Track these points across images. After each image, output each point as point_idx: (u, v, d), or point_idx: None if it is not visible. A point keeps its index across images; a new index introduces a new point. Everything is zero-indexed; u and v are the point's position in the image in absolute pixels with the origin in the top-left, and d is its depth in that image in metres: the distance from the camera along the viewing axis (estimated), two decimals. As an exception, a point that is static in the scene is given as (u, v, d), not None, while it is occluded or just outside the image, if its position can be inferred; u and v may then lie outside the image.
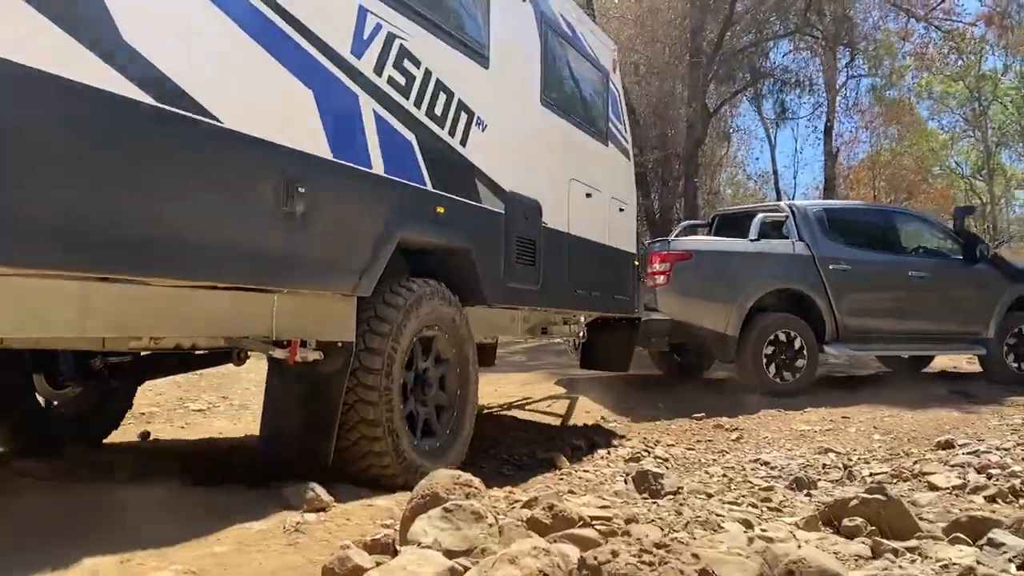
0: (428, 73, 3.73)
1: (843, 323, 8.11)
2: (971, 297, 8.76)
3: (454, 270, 4.03)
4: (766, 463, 4.59)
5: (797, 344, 7.88)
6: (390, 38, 3.46)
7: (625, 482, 3.73)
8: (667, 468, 4.32)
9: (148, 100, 2.31)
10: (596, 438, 5.50)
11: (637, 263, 6.79)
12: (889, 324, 8.41)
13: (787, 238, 8.32)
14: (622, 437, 5.69)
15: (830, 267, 8.13)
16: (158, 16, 2.37)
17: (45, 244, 2.04)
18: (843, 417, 6.45)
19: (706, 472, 4.31)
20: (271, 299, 3.20)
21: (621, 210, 6.42)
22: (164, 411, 6.01)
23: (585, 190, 5.64)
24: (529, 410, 7.01)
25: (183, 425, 5.57)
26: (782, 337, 7.89)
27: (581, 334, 6.27)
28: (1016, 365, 8.89)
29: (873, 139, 26.72)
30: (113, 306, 2.56)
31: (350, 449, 3.28)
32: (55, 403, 4.40)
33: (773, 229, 8.52)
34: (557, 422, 6.48)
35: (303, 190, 2.86)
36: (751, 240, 8.16)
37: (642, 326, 7.16)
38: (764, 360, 7.78)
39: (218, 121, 2.55)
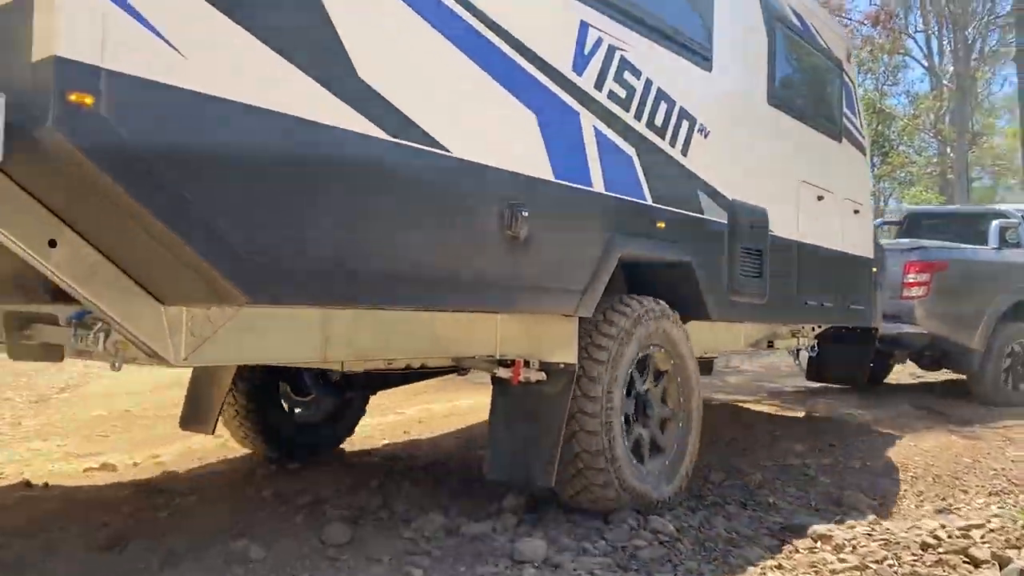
0: (649, 83, 3.60)
1: None
2: None
3: (675, 285, 3.87)
4: None
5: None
6: (611, 51, 3.36)
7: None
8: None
9: (382, 135, 2.38)
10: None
11: (876, 269, 6.22)
12: None
13: (1018, 245, 7.76)
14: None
15: None
16: (390, 51, 2.43)
17: (294, 281, 2.15)
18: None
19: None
20: (494, 320, 3.24)
21: (856, 211, 5.90)
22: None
23: (816, 192, 5.24)
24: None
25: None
26: (1017, 348, 7.57)
27: (811, 347, 5.85)
28: None
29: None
30: (352, 333, 2.69)
31: (570, 475, 3.24)
32: (297, 410, 4.75)
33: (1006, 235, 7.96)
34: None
35: (526, 213, 2.84)
36: (994, 249, 7.67)
37: (895, 339, 6.76)
38: (1003, 372, 7.46)
39: (447, 151, 2.58)
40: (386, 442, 5.29)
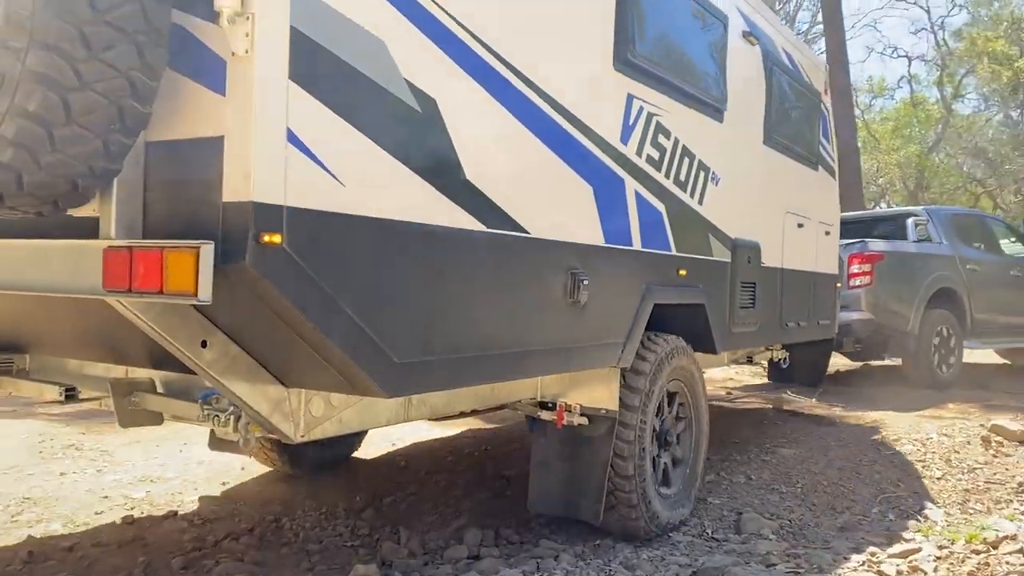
0: (676, 141, 3.88)
1: (975, 318, 8.92)
2: None
3: (689, 323, 4.19)
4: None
5: (952, 340, 8.53)
6: (649, 117, 3.62)
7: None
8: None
9: (480, 227, 2.61)
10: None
11: (839, 284, 6.71)
12: (1005, 319, 9.34)
13: (928, 240, 8.81)
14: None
15: (967, 267, 8.87)
16: (487, 146, 2.65)
17: (424, 376, 2.39)
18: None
19: None
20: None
21: (827, 233, 6.35)
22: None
23: (797, 220, 5.64)
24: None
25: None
26: (944, 332, 8.49)
27: (783, 358, 6.30)
28: None
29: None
30: (431, 398, 2.94)
31: (607, 508, 3.56)
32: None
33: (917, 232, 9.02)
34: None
35: (586, 281, 3.11)
36: (914, 242, 8.67)
37: (847, 327, 7.60)
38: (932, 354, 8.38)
39: (526, 232, 2.83)
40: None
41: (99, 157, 1.82)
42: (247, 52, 1.85)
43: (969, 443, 5.52)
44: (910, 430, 5.96)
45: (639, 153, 3.56)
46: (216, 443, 4.50)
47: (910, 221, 8.86)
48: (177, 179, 1.99)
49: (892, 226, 9.07)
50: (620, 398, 3.55)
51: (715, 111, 4.29)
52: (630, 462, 3.53)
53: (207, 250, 1.79)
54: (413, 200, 2.33)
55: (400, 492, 4.51)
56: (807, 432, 5.99)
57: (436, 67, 2.41)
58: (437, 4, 2.39)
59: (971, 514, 4.34)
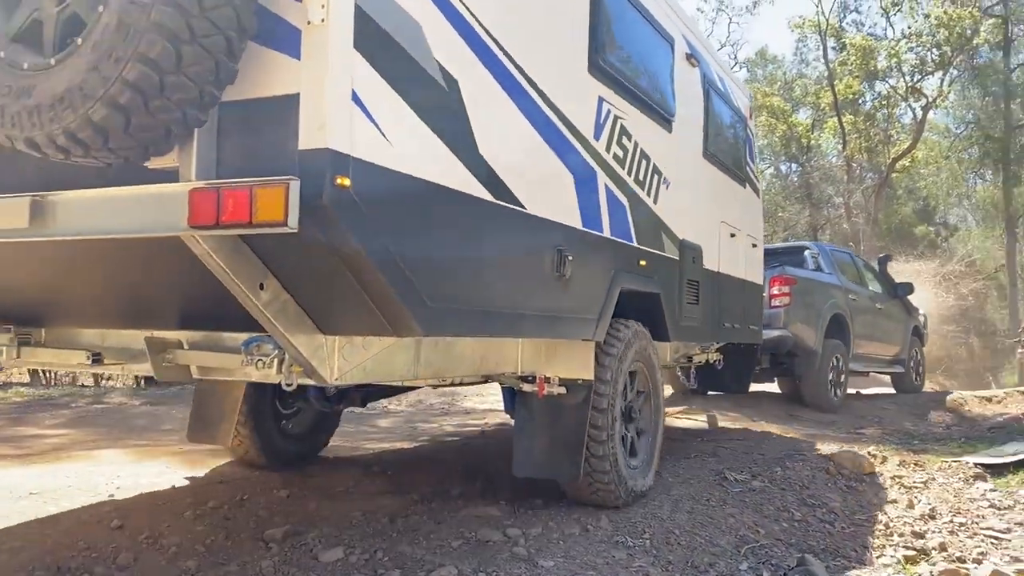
0: (636, 144, 4.33)
1: (855, 345, 9.94)
2: (898, 326, 11.38)
3: (647, 312, 4.61)
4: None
5: (841, 364, 9.47)
6: (615, 120, 4.06)
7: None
8: None
9: (488, 197, 2.95)
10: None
11: (764, 294, 7.31)
12: (874, 347, 10.60)
13: (821, 270, 9.81)
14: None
15: (849, 296, 9.89)
16: (495, 126, 3.01)
17: (450, 319, 2.70)
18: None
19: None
20: (517, 344, 3.84)
21: (754, 246, 6.95)
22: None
23: (730, 231, 6.19)
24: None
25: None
26: (837, 361, 9.41)
27: (718, 360, 6.81)
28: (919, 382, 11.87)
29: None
30: (432, 357, 3.24)
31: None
32: (284, 423, 5.12)
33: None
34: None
35: (570, 257, 3.48)
36: (812, 270, 9.67)
37: (770, 342, 8.14)
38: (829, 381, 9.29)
39: (524, 208, 3.18)
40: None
41: (194, 106, 2.09)
42: (323, 21, 2.17)
43: (815, 478, 5.04)
44: (750, 462, 5.40)
45: (607, 150, 3.99)
46: (195, 434, 4.68)
47: (807, 253, 9.95)
48: (252, 131, 2.27)
49: (791, 257, 10.06)
50: (594, 371, 3.91)
51: (665, 121, 4.78)
52: (603, 430, 3.88)
53: (295, 185, 2.08)
54: (440, 165, 2.66)
55: (101, 567, 3.24)
56: (688, 472, 5.05)
57: (459, 54, 2.77)
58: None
59: (851, 564, 3.79)
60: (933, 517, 4.47)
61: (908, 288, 11.72)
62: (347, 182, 2.20)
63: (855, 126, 27.33)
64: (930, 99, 24.29)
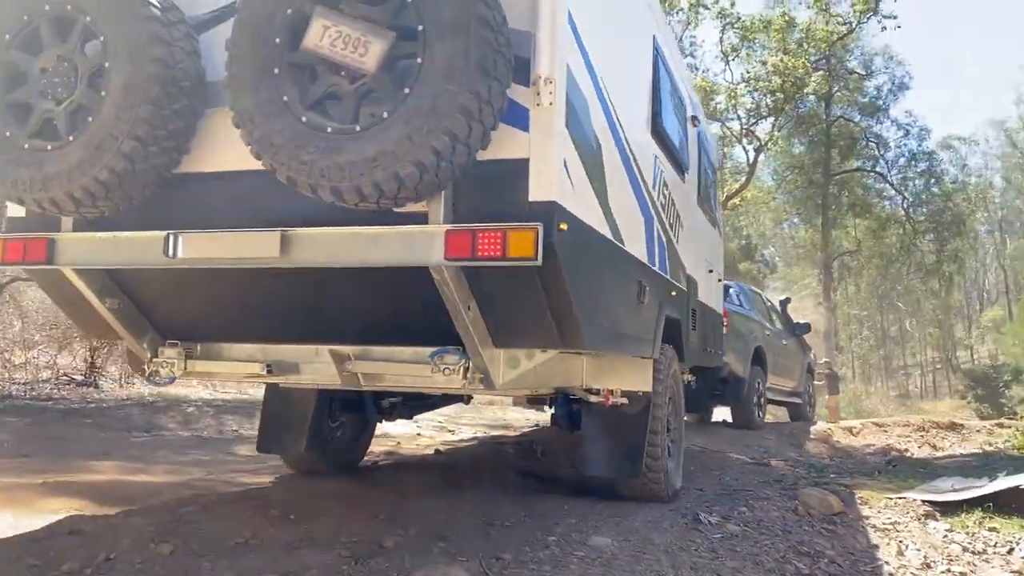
0: (670, 192, 5.12)
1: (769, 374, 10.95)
2: (797, 361, 12.51)
3: (672, 337, 5.36)
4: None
5: (762, 389, 10.58)
6: (661, 172, 4.84)
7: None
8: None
9: (611, 238, 3.64)
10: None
11: (725, 322, 8.25)
12: (780, 380, 11.62)
13: (741, 306, 10.79)
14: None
15: (765, 331, 10.98)
16: (615, 180, 3.70)
17: (603, 339, 3.36)
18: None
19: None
20: (581, 360, 4.51)
21: (719, 280, 7.88)
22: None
23: (708, 266, 7.08)
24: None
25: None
26: (758, 385, 10.50)
27: (691, 380, 7.66)
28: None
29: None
30: (547, 371, 3.87)
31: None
32: (335, 434, 5.57)
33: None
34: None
35: (646, 287, 4.20)
36: (737, 306, 10.58)
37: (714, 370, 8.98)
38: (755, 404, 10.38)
39: (625, 247, 3.89)
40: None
41: (463, 166, 2.70)
42: (551, 105, 2.82)
43: (786, 519, 4.66)
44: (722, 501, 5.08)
45: (658, 198, 4.75)
46: (266, 445, 5.09)
47: (731, 291, 10.83)
48: (486, 185, 2.88)
49: None
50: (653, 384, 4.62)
51: (683, 173, 5.61)
52: (659, 435, 4.59)
53: (541, 230, 2.71)
54: (595, 213, 3.34)
55: None
56: (622, 508, 4.53)
57: (602, 123, 3.47)
58: (599, 75, 3.46)
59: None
60: (929, 566, 4.13)
61: (806, 328, 12.99)
62: (565, 226, 2.85)
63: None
64: (762, 142, 26.23)
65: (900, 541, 4.45)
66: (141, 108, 2.86)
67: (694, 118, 6.13)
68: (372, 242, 2.86)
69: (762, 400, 10.62)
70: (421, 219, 2.86)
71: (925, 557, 4.24)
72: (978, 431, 10.77)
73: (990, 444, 9.25)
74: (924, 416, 13.86)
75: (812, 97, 28.53)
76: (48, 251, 3.26)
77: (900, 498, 5.30)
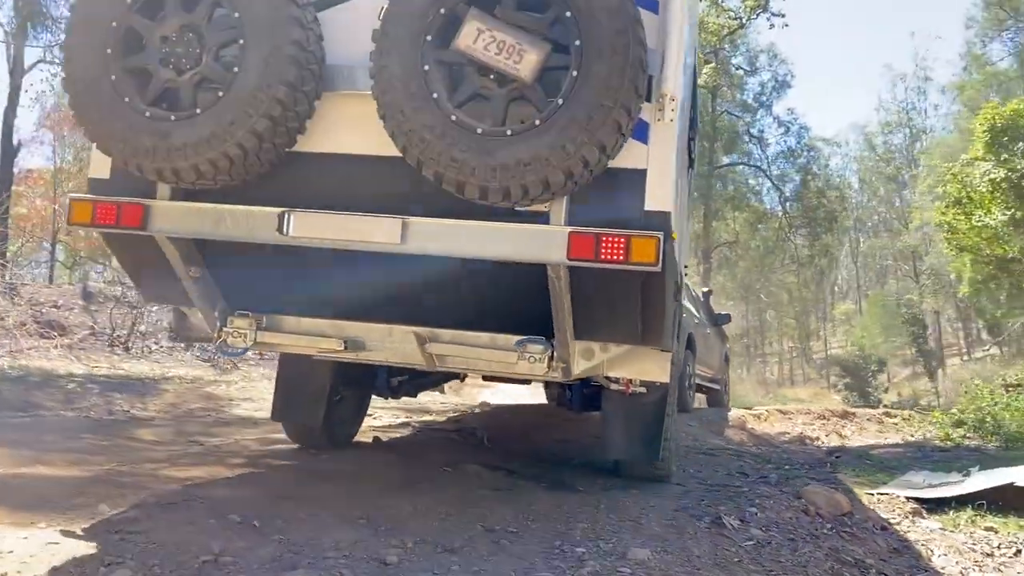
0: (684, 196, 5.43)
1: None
2: (717, 350, 12.99)
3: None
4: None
5: (692, 374, 11.06)
6: (689, 182, 5.13)
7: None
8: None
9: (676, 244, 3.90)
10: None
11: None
12: (703, 367, 12.04)
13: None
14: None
15: (694, 320, 11.40)
16: (680, 197, 3.95)
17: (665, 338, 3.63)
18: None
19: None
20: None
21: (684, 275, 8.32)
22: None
23: (685, 258, 7.48)
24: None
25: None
26: (690, 367, 10.93)
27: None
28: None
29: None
30: (598, 361, 4.11)
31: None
32: (337, 409, 5.64)
33: None
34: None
35: (679, 287, 4.49)
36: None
37: None
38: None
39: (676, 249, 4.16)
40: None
41: (598, 174, 2.89)
42: (672, 121, 3.04)
43: (799, 520, 4.48)
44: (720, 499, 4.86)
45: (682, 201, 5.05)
46: (283, 413, 5.13)
47: None
48: (605, 192, 3.07)
49: None
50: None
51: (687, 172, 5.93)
52: (672, 422, 4.91)
53: (662, 237, 2.93)
54: (674, 219, 3.59)
55: None
56: (622, 506, 4.38)
57: (685, 140, 3.71)
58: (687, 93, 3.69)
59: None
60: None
61: (726, 318, 13.62)
62: (676, 235, 3.08)
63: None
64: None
65: (923, 545, 4.35)
66: (278, 89, 2.90)
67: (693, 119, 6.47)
68: (494, 236, 3.02)
69: (692, 384, 11.13)
70: (537, 217, 3.04)
71: (957, 563, 4.15)
72: (869, 419, 11.60)
73: (912, 436, 9.99)
74: (821, 405, 15.11)
75: (703, 90, 29.54)
76: (144, 217, 3.25)
77: (883, 494, 5.38)
